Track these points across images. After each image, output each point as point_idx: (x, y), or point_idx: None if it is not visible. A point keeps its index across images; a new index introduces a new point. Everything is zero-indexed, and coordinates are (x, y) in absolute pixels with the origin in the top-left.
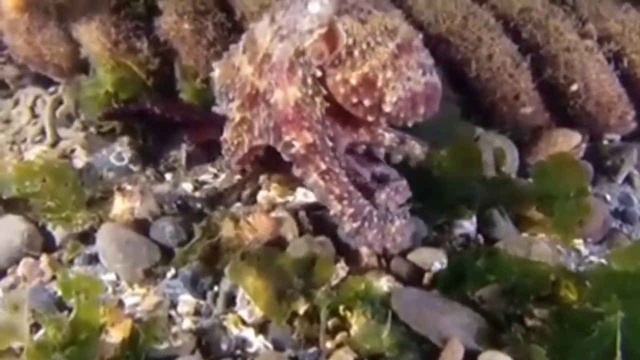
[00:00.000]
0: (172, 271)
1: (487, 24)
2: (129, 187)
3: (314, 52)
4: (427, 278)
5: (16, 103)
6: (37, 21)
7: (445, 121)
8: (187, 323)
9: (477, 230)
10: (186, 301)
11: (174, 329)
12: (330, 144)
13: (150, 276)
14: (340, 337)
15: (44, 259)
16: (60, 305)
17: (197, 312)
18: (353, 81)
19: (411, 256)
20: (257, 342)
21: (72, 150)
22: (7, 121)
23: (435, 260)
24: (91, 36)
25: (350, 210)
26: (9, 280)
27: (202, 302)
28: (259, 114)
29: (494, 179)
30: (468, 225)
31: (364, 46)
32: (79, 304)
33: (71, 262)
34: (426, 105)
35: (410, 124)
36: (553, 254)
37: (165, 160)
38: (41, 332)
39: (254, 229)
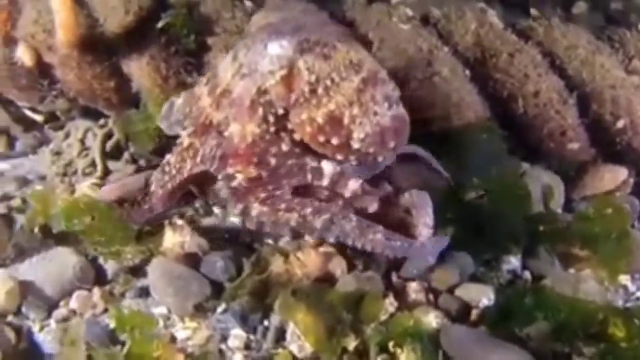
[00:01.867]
0: (223, 306)
1: (534, 61)
2: (179, 222)
3: (277, 95)
4: (475, 314)
5: (67, 135)
6: (88, 56)
7: (492, 157)
8: (238, 358)
9: (523, 266)
10: (237, 336)
11: None
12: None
13: (201, 310)
14: None
15: (96, 292)
16: (113, 338)
17: (247, 347)
18: (319, 120)
19: (459, 292)
20: None
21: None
22: (58, 153)
23: (483, 297)
24: (142, 72)
25: (309, 210)
26: (61, 312)
27: (252, 337)
28: (207, 142)
29: (541, 216)
30: (515, 261)
31: (328, 83)
32: (133, 339)
33: (123, 295)
34: (395, 138)
35: (380, 160)
36: (600, 291)
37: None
38: None
39: (303, 264)
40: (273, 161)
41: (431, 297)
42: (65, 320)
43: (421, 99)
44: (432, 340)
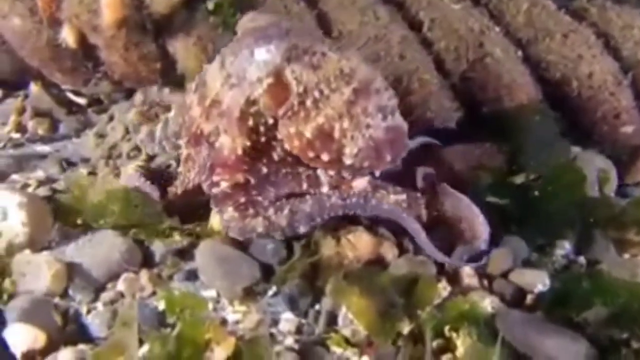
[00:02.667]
0: (273, 289)
1: (588, 41)
2: None
3: (265, 104)
4: (529, 299)
5: (110, 118)
6: (133, 37)
7: (544, 140)
8: (289, 341)
9: (577, 251)
10: (288, 319)
11: (277, 348)
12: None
13: (251, 294)
14: (446, 358)
15: (143, 274)
16: (162, 320)
17: (298, 331)
18: (307, 134)
19: (513, 277)
20: None
21: (168, 166)
22: (102, 136)
23: (537, 282)
24: (188, 52)
25: (271, 210)
26: (109, 295)
27: (303, 320)
28: (200, 153)
29: (595, 200)
30: (568, 246)
31: (317, 94)
32: (184, 321)
33: (170, 278)
34: (391, 150)
35: (377, 173)
36: None
37: None
38: (145, 348)
39: (354, 247)
40: (264, 169)
41: (485, 281)
42: (113, 302)
43: (472, 81)
44: (487, 325)
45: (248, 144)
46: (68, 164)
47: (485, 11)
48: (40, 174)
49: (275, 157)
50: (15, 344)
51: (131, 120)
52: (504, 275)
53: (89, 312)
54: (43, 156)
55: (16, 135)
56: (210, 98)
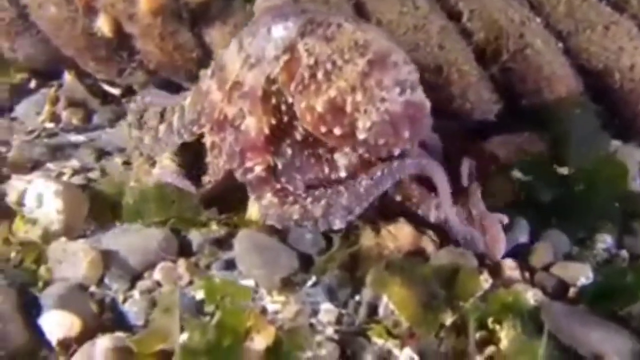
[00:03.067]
0: (312, 279)
1: (629, 33)
2: None
3: (282, 81)
4: (572, 292)
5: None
6: (170, 26)
7: (585, 133)
8: (329, 332)
9: (619, 245)
10: (327, 310)
11: (318, 338)
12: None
13: (290, 284)
14: (489, 350)
15: (181, 263)
16: (200, 309)
17: (339, 321)
18: (318, 108)
19: (555, 270)
20: (404, 354)
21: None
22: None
23: (580, 275)
24: (225, 41)
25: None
26: (145, 283)
27: (343, 311)
28: (225, 139)
29: (636, 194)
30: (610, 240)
31: (329, 66)
32: (224, 309)
33: (208, 267)
34: (410, 127)
35: (396, 152)
36: None
37: None
38: (184, 335)
39: (395, 238)
40: (289, 151)
41: (526, 274)
42: (150, 291)
43: (512, 72)
44: (531, 317)
45: (274, 122)
46: (102, 153)
47: (526, 2)
48: (74, 162)
49: (298, 137)
50: (51, 331)
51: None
52: (546, 268)
53: (125, 300)
54: (77, 145)
55: (50, 125)
56: (231, 81)
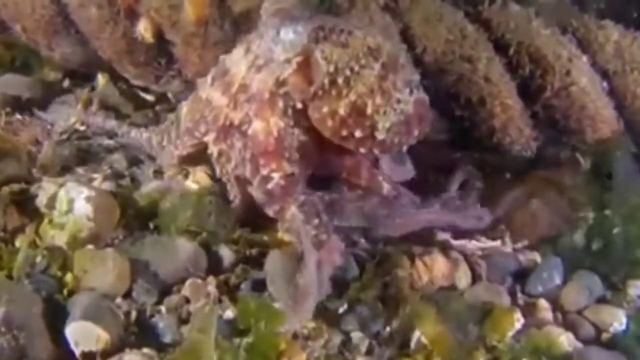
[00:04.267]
0: (344, 306)
1: None
2: None
3: (294, 86)
4: (605, 337)
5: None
6: (212, 36)
7: (624, 175)
8: None
9: None
10: (359, 339)
11: None
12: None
13: (321, 310)
14: None
15: (211, 280)
16: (229, 329)
17: (369, 352)
18: (341, 112)
19: (588, 313)
20: None
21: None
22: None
23: (614, 320)
24: None
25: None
26: (174, 299)
27: (374, 341)
28: (234, 145)
29: None
30: None
31: (348, 72)
32: (258, 333)
33: (238, 286)
34: (419, 124)
35: (405, 148)
36: None
37: None
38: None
39: (429, 269)
40: (296, 157)
41: (559, 315)
42: (178, 307)
43: (555, 109)
44: None
45: (282, 124)
46: (134, 160)
47: (574, 39)
48: (105, 168)
49: (304, 140)
50: (77, 342)
51: None
52: (579, 311)
53: (152, 315)
54: (109, 150)
55: (82, 128)
56: (237, 84)
